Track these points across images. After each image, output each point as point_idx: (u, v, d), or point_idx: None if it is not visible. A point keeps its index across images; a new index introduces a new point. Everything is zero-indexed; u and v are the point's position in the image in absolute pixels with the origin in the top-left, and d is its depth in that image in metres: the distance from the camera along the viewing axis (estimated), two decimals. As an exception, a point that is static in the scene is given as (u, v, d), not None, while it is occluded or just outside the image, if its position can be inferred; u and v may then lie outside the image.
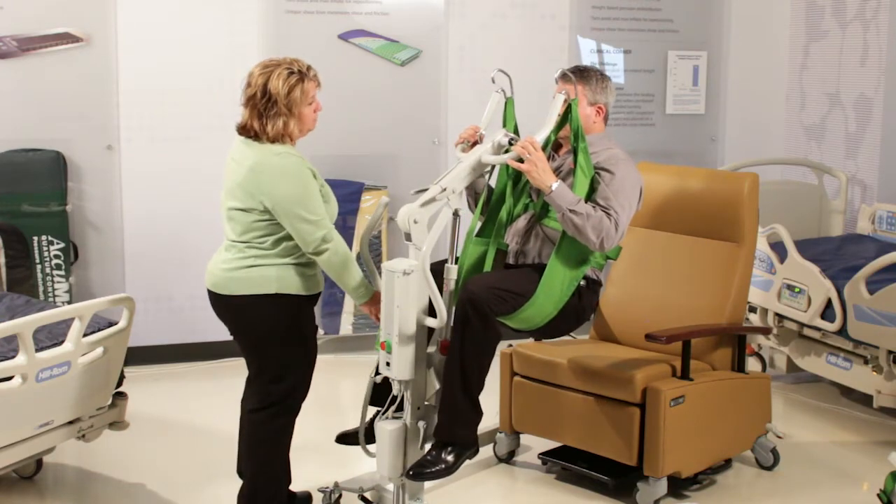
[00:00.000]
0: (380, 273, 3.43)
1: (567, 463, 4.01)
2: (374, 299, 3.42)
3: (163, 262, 5.41)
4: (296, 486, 3.55)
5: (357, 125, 5.59)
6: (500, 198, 3.72)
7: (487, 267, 3.62)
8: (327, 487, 3.59)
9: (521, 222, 3.73)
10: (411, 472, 3.37)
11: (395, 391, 3.43)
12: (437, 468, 3.37)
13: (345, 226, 5.48)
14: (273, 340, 3.30)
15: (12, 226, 4.79)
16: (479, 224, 3.73)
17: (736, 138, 6.35)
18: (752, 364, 5.03)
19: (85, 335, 3.47)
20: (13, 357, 3.29)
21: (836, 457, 4.39)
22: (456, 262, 3.50)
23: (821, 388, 5.21)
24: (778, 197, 5.39)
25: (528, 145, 3.41)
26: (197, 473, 4.11)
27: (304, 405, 3.44)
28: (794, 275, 4.81)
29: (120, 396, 3.86)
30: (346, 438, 3.67)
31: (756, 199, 4.11)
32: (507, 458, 4.22)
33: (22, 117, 5.16)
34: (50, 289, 5.18)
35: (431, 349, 3.44)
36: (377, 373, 3.49)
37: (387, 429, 3.42)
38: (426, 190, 3.39)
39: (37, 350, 3.33)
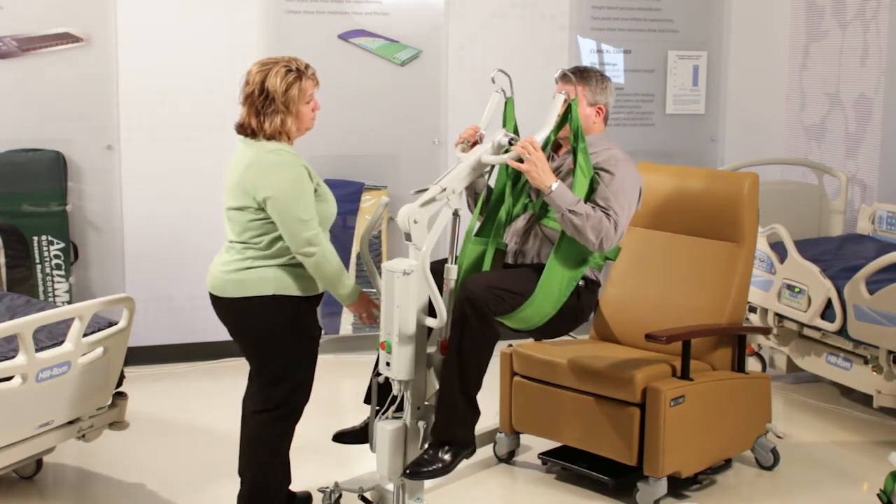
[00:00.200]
0: (380, 273, 3.43)
1: (567, 463, 4.01)
2: (360, 301, 3.40)
3: (163, 262, 5.41)
4: (296, 486, 3.55)
5: (357, 125, 5.59)
6: (499, 197, 3.72)
7: (486, 266, 3.62)
8: (327, 487, 3.58)
9: (521, 222, 3.73)
10: (408, 471, 3.38)
11: (395, 391, 3.44)
12: (434, 467, 3.37)
13: (345, 226, 5.48)
14: (272, 342, 3.29)
15: (12, 226, 4.79)
16: (477, 224, 3.73)
17: (736, 138, 6.35)
18: (752, 364, 5.03)
19: (85, 335, 3.47)
20: (13, 357, 3.29)
21: (836, 457, 4.39)
22: (456, 262, 3.50)
23: (821, 388, 5.21)
24: (778, 197, 5.39)
25: (527, 145, 3.41)
26: (197, 473, 4.11)
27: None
28: (794, 275, 4.81)
29: (120, 396, 3.86)
30: (343, 437, 3.67)
31: (756, 199, 4.11)
32: (507, 458, 4.22)
33: (22, 117, 5.16)
34: (50, 289, 5.18)
35: (431, 349, 3.44)
36: (378, 373, 3.49)
37: (387, 429, 3.42)
38: (426, 190, 3.39)
39: (37, 350, 3.33)
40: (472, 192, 3.75)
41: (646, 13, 6.13)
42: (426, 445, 3.43)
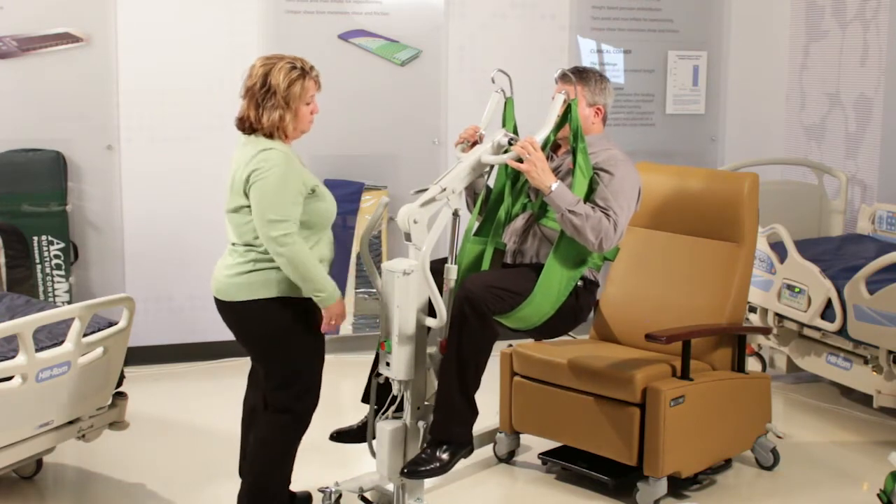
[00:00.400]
0: (380, 273, 3.43)
1: (567, 463, 4.01)
2: (334, 307, 3.25)
3: (163, 262, 5.41)
4: (296, 486, 3.55)
5: (357, 125, 5.59)
6: (498, 197, 3.72)
7: (485, 266, 3.62)
8: (327, 487, 3.58)
9: (519, 222, 3.73)
10: (406, 470, 3.38)
11: (394, 391, 3.44)
12: (432, 466, 3.37)
13: (345, 226, 5.48)
14: (279, 345, 3.26)
15: (12, 226, 4.78)
16: (476, 223, 3.73)
17: (736, 138, 6.35)
18: (752, 364, 5.02)
19: (85, 335, 3.48)
20: (13, 357, 3.29)
21: (836, 457, 4.39)
22: (455, 262, 3.50)
23: (821, 388, 5.21)
24: (778, 197, 5.39)
25: (527, 145, 3.41)
26: (197, 473, 4.11)
27: (304, 405, 3.44)
28: (794, 275, 4.81)
29: (120, 396, 3.86)
30: (340, 436, 3.67)
31: (756, 199, 4.11)
32: (507, 458, 4.22)
33: (22, 117, 5.16)
34: (50, 289, 5.18)
35: (431, 349, 3.44)
36: (378, 373, 3.49)
37: (387, 429, 3.43)
38: (426, 190, 3.39)
39: (37, 350, 3.33)
40: (471, 192, 3.75)
41: (646, 13, 6.13)
42: (424, 445, 3.43)
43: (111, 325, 3.67)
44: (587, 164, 3.54)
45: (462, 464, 3.53)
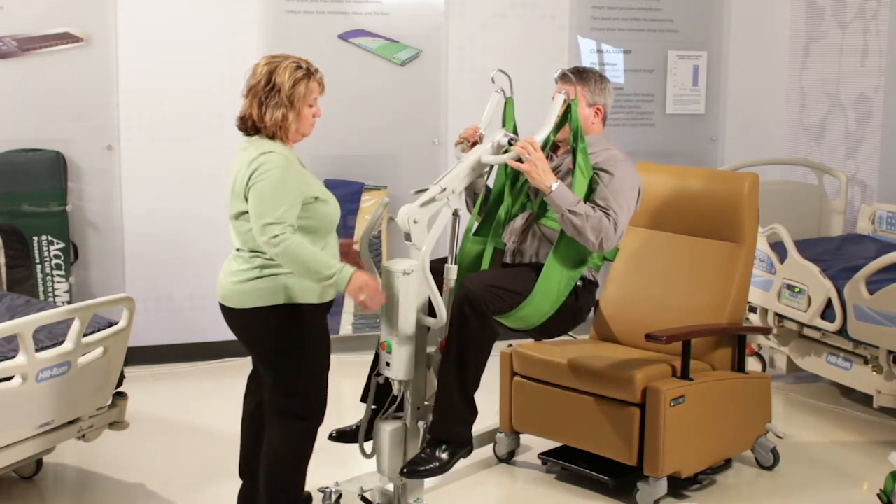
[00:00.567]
0: (380, 273, 3.43)
1: (567, 463, 4.01)
2: (355, 282, 3.12)
3: (163, 262, 5.41)
4: (296, 486, 3.55)
5: (357, 125, 5.59)
6: (497, 197, 3.72)
7: (485, 266, 3.62)
8: (327, 487, 3.58)
9: (519, 221, 3.73)
10: (405, 470, 3.37)
11: (395, 391, 3.44)
12: (431, 466, 3.37)
13: (345, 226, 5.47)
14: (288, 352, 3.20)
15: (12, 226, 4.79)
16: (476, 223, 3.73)
17: (736, 138, 6.35)
18: (752, 364, 5.02)
19: (85, 335, 3.47)
20: (13, 357, 3.29)
21: (836, 457, 4.39)
22: (455, 262, 3.50)
23: (821, 388, 5.21)
24: (778, 197, 5.39)
25: (527, 145, 3.41)
26: (197, 473, 4.11)
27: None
28: (794, 275, 4.81)
29: (120, 396, 3.86)
30: (340, 437, 3.66)
31: (756, 199, 4.11)
32: (507, 458, 4.22)
33: (22, 117, 5.16)
34: (50, 289, 5.18)
35: (431, 349, 3.44)
36: (377, 373, 3.49)
37: (387, 429, 3.43)
38: (426, 190, 3.39)
39: (37, 350, 3.33)
40: (471, 192, 3.75)
41: (646, 13, 6.13)
42: (423, 444, 3.43)
43: (111, 325, 3.66)
44: (587, 163, 3.54)
45: (462, 464, 3.53)
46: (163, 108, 5.32)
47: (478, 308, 3.37)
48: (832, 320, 4.58)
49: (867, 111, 5.76)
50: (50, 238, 5.17)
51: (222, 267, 3.28)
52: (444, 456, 3.38)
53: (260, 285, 3.15)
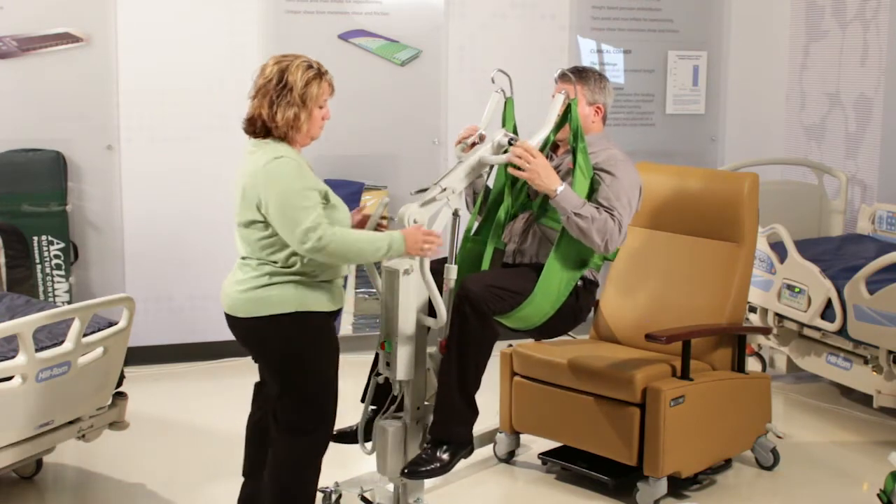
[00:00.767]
0: (380, 273, 3.43)
1: (567, 463, 4.01)
2: (411, 243, 3.15)
3: (163, 262, 5.41)
4: (296, 486, 3.54)
5: (357, 125, 5.59)
6: (497, 197, 3.72)
7: (485, 266, 3.62)
8: (327, 487, 3.58)
9: (519, 222, 3.73)
10: (406, 471, 3.37)
11: (394, 391, 3.44)
12: (432, 466, 3.36)
13: (345, 226, 5.47)
14: (297, 361, 3.11)
15: (12, 226, 4.78)
16: (476, 223, 3.73)
17: (736, 138, 6.35)
18: (752, 364, 5.02)
19: (85, 335, 3.47)
20: (13, 357, 3.29)
21: (836, 457, 4.39)
22: (455, 262, 3.50)
23: (821, 388, 5.21)
24: (778, 197, 5.39)
25: (525, 155, 3.37)
26: (197, 473, 4.11)
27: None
28: (794, 275, 4.81)
29: (120, 396, 3.86)
30: (341, 437, 3.66)
31: (756, 199, 4.11)
32: (507, 458, 4.22)
33: (22, 117, 5.16)
34: (50, 289, 5.18)
35: (431, 349, 3.44)
36: (378, 373, 3.49)
37: (387, 429, 3.42)
38: (426, 190, 3.39)
39: (37, 350, 3.33)
40: (470, 191, 3.75)
41: (646, 13, 6.13)
42: (424, 445, 3.43)
43: (111, 325, 3.66)
44: (587, 164, 3.54)
45: (462, 464, 3.53)
46: (163, 108, 5.32)
47: (478, 308, 3.36)
48: (832, 320, 4.58)
49: (867, 111, 5.76)
50: (50, 238, 5.17)
51: (227, 278, 3.20)
52: (445, 456, 3.38)
53: (271, 292, 3.06)
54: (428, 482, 3.70)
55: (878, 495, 3.32)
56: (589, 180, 3.54)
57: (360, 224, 3.40)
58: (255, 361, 3.27)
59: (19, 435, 3.42)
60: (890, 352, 4.36)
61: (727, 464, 4.17)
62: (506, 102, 3.71)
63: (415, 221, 3.30)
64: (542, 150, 3.69)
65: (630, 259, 4.24)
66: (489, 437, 4.20)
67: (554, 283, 3.51)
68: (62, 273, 5.21)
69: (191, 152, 5.37)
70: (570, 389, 3.90)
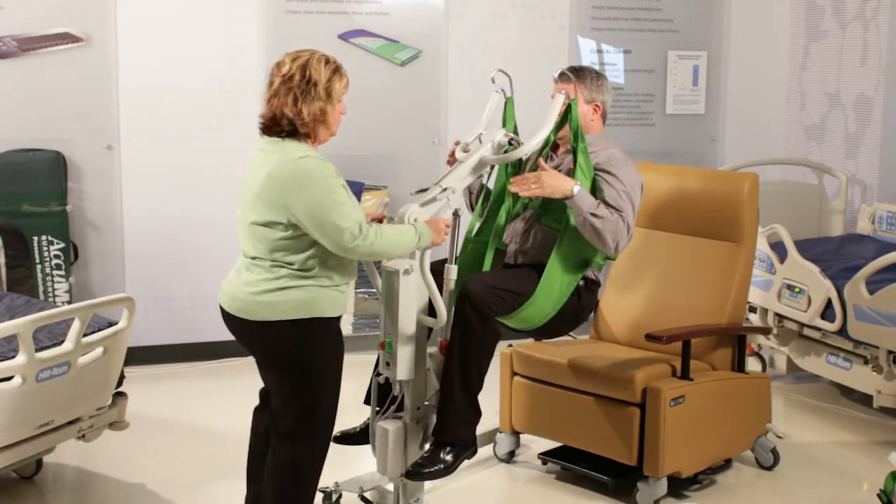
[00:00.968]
0: (380, 273, 3.43)
1: (567, 463, 4.01)
2: (436, 232, 3.22)
3: (163, 262, 5.41)
4: (296, 486, 3.54)
5: (357, 125, 5.52)
6: (498, 197, 3.72)
7: (486, 266, 3.62)
8: (327, 487, 3.58)
9: (520, 222, 3.73)
10: (409, 472, 3.37)
11: (395, 391, 3.44)
12: (436, 468, 3.36)
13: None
14: (307, 368, 3.06)
15: (12, 226, 4.78)
16: (477, 224, 3.72)
17: (736, 138, 6.35)
18: (752, 364, 5.03)
19: (85, 335, 3.47)
20: (13, 357, 3.29)
21: (836, 457, 4.39)
22: (456, 262, 3.50)
23: (821, 388, 5.21)
24: (778, 197, 5.39)
25: (527, 183, 3.41)
26: (197, 473, 4.11)
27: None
28: (794, 275, 4.81)
29: (120, 396, 3.86)
30: (344, 438, 3.66)
31: (756, 199, 4.11)
32: (507, 458, 4.22)
33: (22, 117, 5.16)
34: (50, 289, 5.18)
35: (432, 349, 3.44)
36: (377, 373, 3.49)
37: (387, 429, 3.42)
38: (426, 190, 3.39)
39: (37, 350, 3.33)
40: (465, 191, 3.74)
41: (646, 13, 6.13)
42: (427, 446, 3.43)
43: (111, 325, 3.66)
44: (588, 163, 3.54)
45: (462, 464, 3.52)
46: (163, 108, 5.32)
47: (480, 309, 3.36)
48: (832, 320, 4.58)
49: (867, 111, 5.76)
50: (50, 238, 5.17)
51: (229, 278, 3.13)
52: (449, 458, 3.38)
53: (285, 297, 2.99)
54: (427, 482, 3.70)
55: (878, 495, 3.32)
56: (590, 180, 3.54)
57: None
58: (263, 366, 3.21)
59: (19, 435, 3.42)
60: (890, 352, 4.36)
61: (727, 464, 4.17)
62: (506, 102, 3.71)
63: (415, 221, 3.30)
64: (542, 150, 3.69)
65: (630, 259, 4.24)
66: (489, 437, 4.20)
67: (555, 284, 3.51)
68: (62, 273, 5.21)
69: (191, 152, 5.37)
70: (571, 389, 3.90)
